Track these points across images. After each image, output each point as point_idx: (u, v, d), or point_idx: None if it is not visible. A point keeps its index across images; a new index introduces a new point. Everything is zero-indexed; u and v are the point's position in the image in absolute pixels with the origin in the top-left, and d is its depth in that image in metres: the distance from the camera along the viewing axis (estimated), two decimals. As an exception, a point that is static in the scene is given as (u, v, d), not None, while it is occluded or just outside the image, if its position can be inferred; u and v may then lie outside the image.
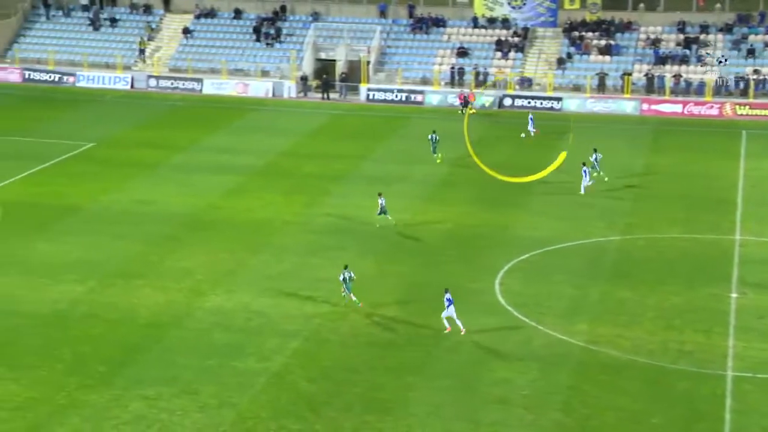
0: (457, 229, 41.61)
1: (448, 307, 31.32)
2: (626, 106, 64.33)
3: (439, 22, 72.07)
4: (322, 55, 70.95)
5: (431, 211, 44.03)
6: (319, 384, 28.38)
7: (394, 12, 73.59)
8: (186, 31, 73.49)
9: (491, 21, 71.50)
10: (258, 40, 72.39)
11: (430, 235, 40.90)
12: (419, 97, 66.79)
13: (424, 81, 68.45)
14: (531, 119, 56.98)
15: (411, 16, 73.01)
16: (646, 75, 65.85)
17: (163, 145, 54.59)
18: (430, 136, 52.01)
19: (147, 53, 71.87)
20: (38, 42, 74.07)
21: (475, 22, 71.61)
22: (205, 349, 30.35)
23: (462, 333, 31.24)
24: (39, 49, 73.41)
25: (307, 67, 70.06)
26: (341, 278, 33.22)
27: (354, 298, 33.19)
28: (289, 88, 68.53)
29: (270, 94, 68.09)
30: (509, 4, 71.20)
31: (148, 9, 75.83)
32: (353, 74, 69.26)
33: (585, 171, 46.19)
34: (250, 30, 73.09)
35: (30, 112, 62.31)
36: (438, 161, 50.88)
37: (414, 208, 44.27)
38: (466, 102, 62.38)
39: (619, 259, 38.43)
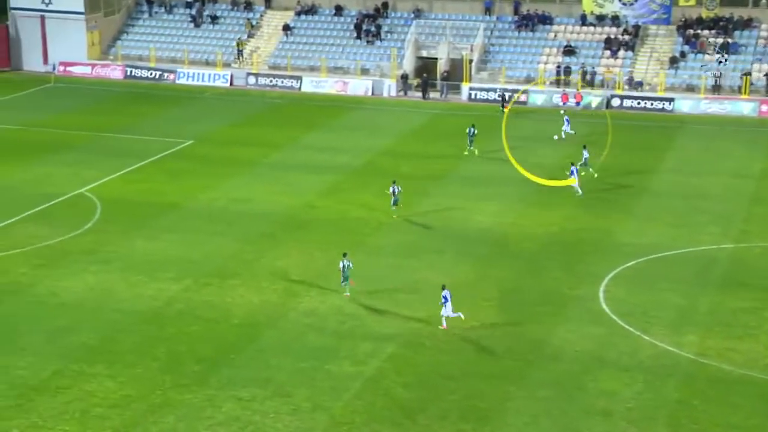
0: (560, 234, 41.08)
1: (445, 304, 31.65)
2: (744, 107, 62.54)
3: (546, 20, 71.34)
4: (424, 53, 70.99)
5: (532, 214, 43.58)
6: (415, 390, 28.35)
7: (500, 8, 73.12)
8: (286, 28, 74.46)
9: (600, 18, 70.41)
10: (358, 37, 72.85)
11: (531, 239, 40.48)
12: (523, 97, 66.14)
13: (529, 80, 67.84)
14: (567, 120, 55.68)
15: (516, 12, 72.47)
16: (767, 75, 63.89)
17: (261, 143, 55.39)
18: (468, 129, 52.20)
19: (245, 54, 72.87)
20: (140, 39, 76.04)
21: (583, 20, 70.64)
22: (298, 351, 30.66)
23: (442, 328, 31.77)
24: (141, 45, 75.36)
25: (408, 65, 70.19)
26: (340, 266, 34.14)
27: (346, 285, 34.10)
28: (389, 87, 68.77)
29: (369, 93, 68.45)
30: (620, 0, 69.99)
31: (249, 5, 77.09)
32: (455, 73, 69.11)
33: (574, 170, 45.47)
34: (351, 27, 73.63)
35: (131, 108, 64.02)
36: (465, 153, 51.47)
37: (514, 211, 43.89)
38: (503, 99, 62.52)
39: (733, 267, 37.35)
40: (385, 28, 73.02)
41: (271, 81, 70.63)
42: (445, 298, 31.83)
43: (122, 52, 74.63)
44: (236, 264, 37.64)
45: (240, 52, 72.66)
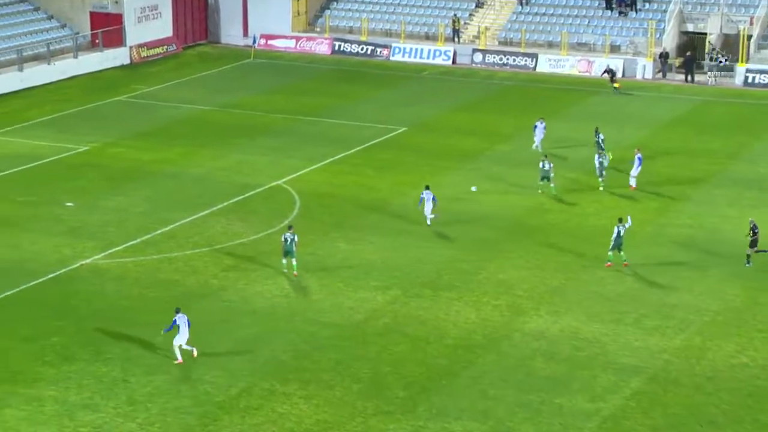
0: None
1: (181, 330, 30.97)
2: None
3: None
4: (689, 27, 69.14)
5: (823, 227, 41.59)
6: (664, 436, 27.74)
7: (790, -30, 70.21)
8: (521, -4, 74.38)
9: None
10: (609, 7, 71.75)
11: (820, 258, 38.66)
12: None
13: (822, 60, 64.78)
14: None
15: (814, -25, 69.29)
16: None
17: (486, 132, 55.56)
18: (598, 136, 49.32)
19: (463, 35, 72.83)
20: (351, 8, 77.72)
21: None
22: (523, 381, 30.56)
23: (177, 362, 31.08)
24: (352, 16, 77.04)
25: (669, 42, 68.50)
26: (282, 239, 36.95)
27: (284, 262, 37.12)
28: (644, 68, 67.38)
29: (619, 74, 67.28)
30: None
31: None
32: (728, 51, 66.87)
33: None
34: (600, -5, 72.72)
35: (338, 89, 65.62)
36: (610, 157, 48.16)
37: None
38: (613, 74, 63.07)
39: None
40: (641, -4, 71.69)
41: (500, 59, 70.68)
42: (174, 322, 31.12)
43: (330, 24, 76.62)
44: (452, 274, 37.88)
45: (456, 32, 72.83)
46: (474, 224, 42.65)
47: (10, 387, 30.00)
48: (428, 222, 41.94)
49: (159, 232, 41.76)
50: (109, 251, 39.84)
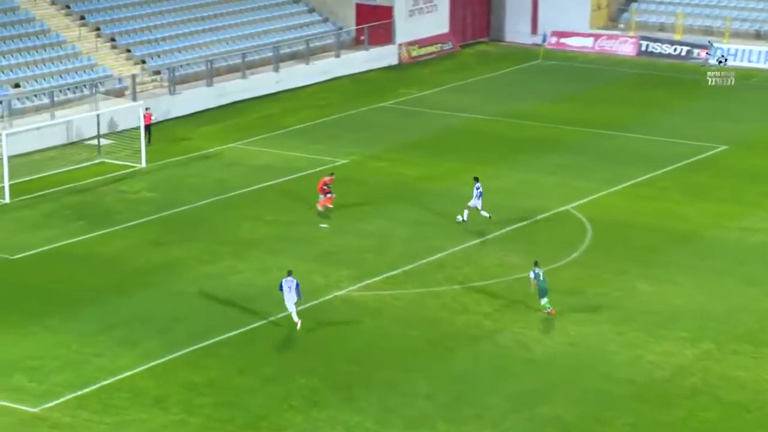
0: None
1: (286, 295, 36.06)
2: None
3: None
4: None
5: None
6: None
7: None
8: None
9: None
10: None
11: None
12: None
13: None
14: None
15: None
16: None
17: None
18: None
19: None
20: (663, 1, 76.62)
21: None
22: None
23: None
24: (664, 10, 76.06)
25: None
26: (531, 276, 37.48)
27: (544, 302, 37.22)
28: None
29: None
30: None
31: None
32: None
33: None
34: None
35: (643, 97, 64.99)
36: None
37: None
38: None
39: None
40: None
41: None
42: (281, 286, 36.11)
43: (637, 20, 75.78)
44: (779, 327, 36.64)
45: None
46: (809, 266, 41.15)
47: (252, 434, 30.87)
48: (489, 216, 45.11)
49: (424, 261, 42.18)
50: (366, 281, 40.49)
